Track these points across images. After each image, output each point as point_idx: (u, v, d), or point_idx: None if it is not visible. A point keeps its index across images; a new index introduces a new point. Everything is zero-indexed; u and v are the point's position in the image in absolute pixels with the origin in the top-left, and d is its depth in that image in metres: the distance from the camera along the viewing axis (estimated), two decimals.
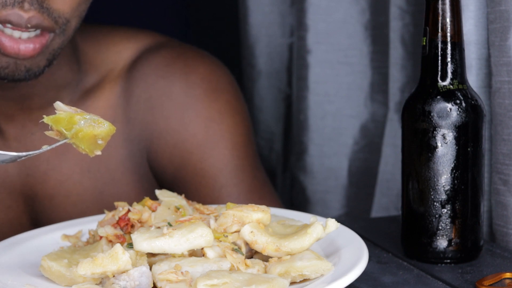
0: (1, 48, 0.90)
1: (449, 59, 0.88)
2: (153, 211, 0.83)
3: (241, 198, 1.08)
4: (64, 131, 0.75)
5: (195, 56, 1.13)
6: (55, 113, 0.77)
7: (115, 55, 1.11)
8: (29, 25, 0.89)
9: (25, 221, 1.10)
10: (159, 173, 1.11)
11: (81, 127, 0.75)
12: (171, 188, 1.09)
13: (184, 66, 1.11)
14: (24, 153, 0.76)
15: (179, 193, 0.98)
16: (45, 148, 0.78)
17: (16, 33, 0.90)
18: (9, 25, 0.89)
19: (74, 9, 0.93)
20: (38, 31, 0.91)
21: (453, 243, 0.88)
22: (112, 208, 0.87)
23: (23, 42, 0.90)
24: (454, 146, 0.87)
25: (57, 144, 0.77)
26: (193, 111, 1.09)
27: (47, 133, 0.78)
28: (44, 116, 0.77)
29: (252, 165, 1.12)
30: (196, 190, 1.09)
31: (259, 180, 1.12)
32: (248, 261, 0.75)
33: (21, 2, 0.88)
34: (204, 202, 1.05)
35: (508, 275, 0.83)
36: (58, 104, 0.77)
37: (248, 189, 1.10)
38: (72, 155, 1.08)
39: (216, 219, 0.79)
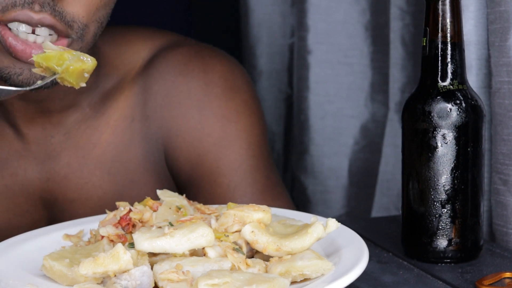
0: (12, 52, 0.88)
1: (449, 60, 0.88)
2: (154, 211, 0.83)
3: (255, 198, 1.08)
4: (56, 67, 0.82)
5: (212, 54, 1.13)
6: (69, 108, 0.86)
7: (133, 56, 1.11)
8: (39, 25, 0.87)
9: (44, 225, 1.09)
10: (176, 171, 1.11)
11: (71, 63, 0.82)
12: (186, 188, 1.09)
13: (203, 64, 1.11)
14: (22, 88, 0.85)
15: (194, 193, 0.98)
16: (40, 83, 0.85)
17: (31, 37, 0.88)
18: (21, 28, 0.88)
19: (92, 14, 0.91)
20: (54, 36, 0.89)
21: (453, 243, 0.88)
22: None
23: (36, 47, 0.88)
24: (454, 146, 0.87)
25: (50, 78, 0.83)
26: (210, 110, 1.09)
27: (34, 70, 0.83)
28: (33, 54, 0.83)
29: (266, 166, 1.12)
30: (211, 188, 1.08)
31: (272, 180, 1.12)
32: (249, 260, 0.75)
33: (31, 3, 0.86)
34: (218, 201, 1.05)
35: (508, 274, 0.83)
36: (47, 43, 0.84)
37: (262, 189, 1.10)
38: (92, 159, 1.08)
39: (217, 219, 0.79)
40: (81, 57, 0.83)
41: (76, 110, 1.06)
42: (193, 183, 1.09)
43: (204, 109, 1.09)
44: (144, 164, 1.09)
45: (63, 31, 0.89)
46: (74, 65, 0.82)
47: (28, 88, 0.85)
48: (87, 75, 0.84)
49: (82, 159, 1.07)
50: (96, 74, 1.06)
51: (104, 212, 1.06)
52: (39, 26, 0.87)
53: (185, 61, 1.10)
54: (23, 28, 0.88)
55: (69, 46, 0.90)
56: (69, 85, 0.84)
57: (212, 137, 1.09)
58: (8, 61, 0.90)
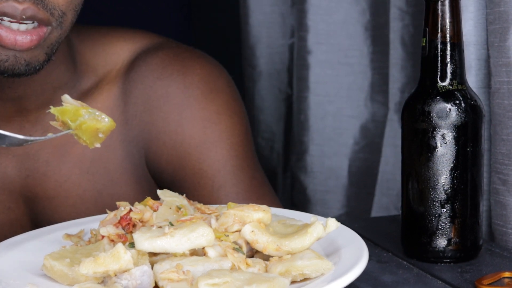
0: None
1: (448, 60, 0.88)
2: (155, 210, 0.83)
3: (240, 198, 1.08)
4: (69, 122, 0.81)
5: (192, 56, 1.13)
6: (46, 107, 0.85)
7: (112, 57, 1.11)
8: (24, 17, 0.89)
9: (26, 222, 1.10)
10: (158, 173, 1.11)
11: (85, 120, 0.81)
12: (170, 189, 1.09)
13: (182, 67, 1.11)
14: (31, 138, 0.81)
15: (178, 193, 0.98)
16: (50, 135, 0.83)
17: (14, 25, 0.90)
18: (6, 18, 0.90)
19: (69, 2, 0.94)
20: (35, 24, 0.92)
21: (452, 243, 0.89)
22: (111, 208, 0.87)
23: (20, 34, 0.90)
24: (454, 146, 0.88)
25: (62, 133, 0.82)
26: (190, 112, 1.09)
27: (52, 123, 0.82)
28: (51, 106, 0.82)
29: (250, 165, 1.12)
30: (195, 190, 1.09)
31: (258, 180, 1.12)
32: (249, 260, 0.75)
33: None
34: (203, 202, 1.04)
35: (507, 274, 0.83)
36: (65, 97, 0.82)
37: (247, 189, 1.10)
38: (71, 157, 1.08)
39: (217, 219, 0.80)
40: (97, 116, 0.81)
41: None
42: (176, 185, 1.10)
43: (184, 112, 1.09)
44: (124, 165, 1.09)
45: (45, 19, 0.91)
46: (88, 123, 0.81)
47: (38, 139, 0.82)
48: (102, 136, 0.82)
49: (61, 157, 1.08)
50: (72, 72, 1.07)
51: (84, 210, 1.07)
52: (23, 18, 0.89)
53: (164, 65, 1.11)
54: (14, 26, 0.90)
55: (49, 34, 0.93)
56: (83, 143, 0.82)
57: (193, 140, 1.09)
58: None
